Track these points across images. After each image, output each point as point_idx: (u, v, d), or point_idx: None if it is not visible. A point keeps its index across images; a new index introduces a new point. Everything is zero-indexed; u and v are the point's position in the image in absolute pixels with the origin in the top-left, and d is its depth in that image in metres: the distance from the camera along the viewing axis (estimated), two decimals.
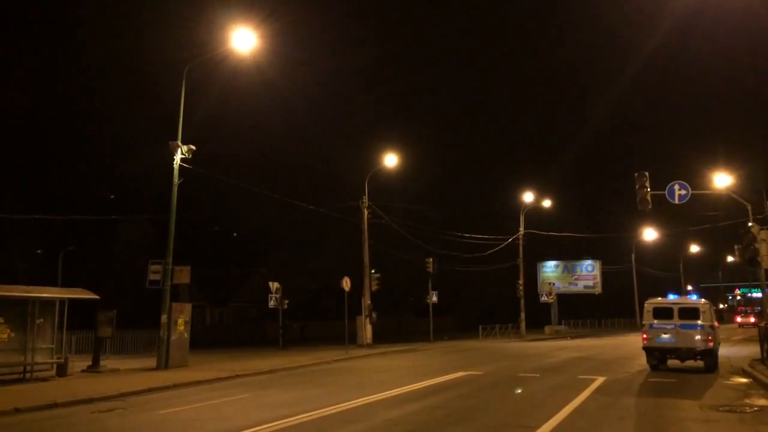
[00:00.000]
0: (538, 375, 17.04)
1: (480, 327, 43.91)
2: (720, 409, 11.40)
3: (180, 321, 21.39)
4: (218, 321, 64.59)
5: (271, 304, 36.38)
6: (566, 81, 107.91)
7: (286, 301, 37.13)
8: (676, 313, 17.49)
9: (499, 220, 53.61)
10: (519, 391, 14.04)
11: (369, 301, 35.14)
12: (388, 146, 36.48)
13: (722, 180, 24.83)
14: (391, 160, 35.49)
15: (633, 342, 35.26)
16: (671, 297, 20.02)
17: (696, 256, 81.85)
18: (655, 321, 17.63)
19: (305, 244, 69.13)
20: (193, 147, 21.82)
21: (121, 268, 64.17)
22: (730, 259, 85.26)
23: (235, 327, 59.83)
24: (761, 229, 17.93)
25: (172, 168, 21.59)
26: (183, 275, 21.29)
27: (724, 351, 21.40)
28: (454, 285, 70.16)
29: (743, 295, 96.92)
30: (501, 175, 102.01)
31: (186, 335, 21.69)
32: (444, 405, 12.10)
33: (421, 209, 50.07)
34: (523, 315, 46.03)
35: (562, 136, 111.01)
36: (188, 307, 21.91)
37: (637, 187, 19.71)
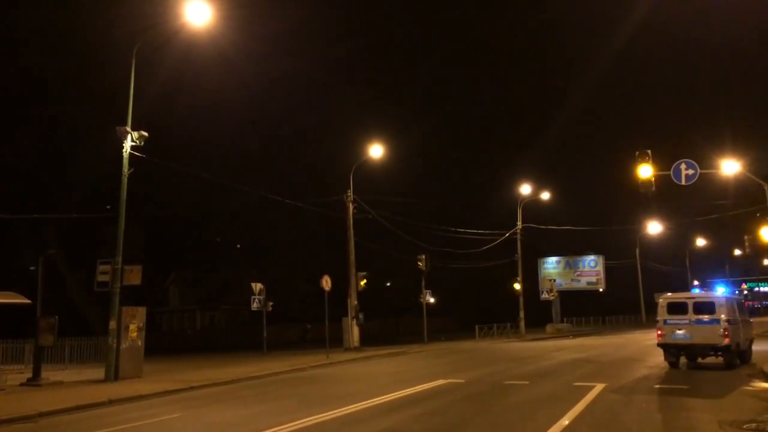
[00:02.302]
0: (527, 382, 14.82)
1: (476, 327, 41.72)
2: (744, 427, 9.20)
3: (132, 327, 19.26)
4: (209, 324, 62.72)
5: (254, 306, 34.32)
6: (563, 64, 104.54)
7: (271, 303, 35.04)
8: (690, 308, 16.76)
9: (497, 214, 51.31)
10: (499, 405, 11.81)
11: (356, 302, 33.01)
12: (373, 137, 34.24)
13: (731, 163, 22.60)
14: (376, 151, 33.30)
15: (638, 340, 33.08)
16: (695, 291, 18.46)
17: (702, 250, 79.40)
18: (670, 317, 17.00)
19: (301, 244, 66.73)
20: (145, 133, 19.72)
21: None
22: (737, 252, 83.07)
23: (226, 330, 57.93)
24: None
25: (121, 156, 19.48)
26: (134, 276, 19.14)
27: None
28: (455, 284, 68.00)
29: (750, 290, 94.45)
30: (496, 166, 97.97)
31: (140, 343, 19.55)
32: (404, 426, 9.93)
33: (412, 203, 47.77)
34: (522, 313, 43.78)
35: (560, 125, 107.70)
36: (141, 311, 19.74)
37: (638, 168, 17.45)
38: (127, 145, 19.50)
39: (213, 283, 62.46)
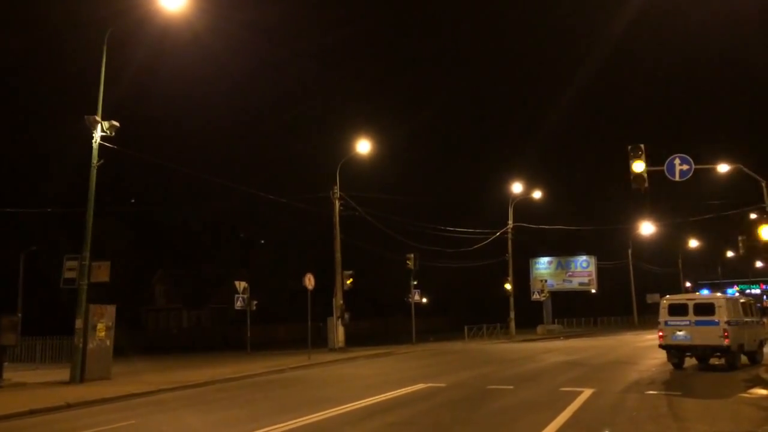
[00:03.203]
0: (511, 387, 14.00)
1: (466, 328, 40.96)
2: None
3: (100, 326, 18.35)
4: (195, 323, 61.69)
5: (238, 305, 33.52)
6: (556, 61, 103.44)
7: (255, 302, 34.28)
8: (691, 310, 16.85)
9: (488, 213, 50.49)
10: (479, 413, 10.98)
11: (341, 301, 32.17)
12: (361, 132, 33.56)
13: (725, 165, 21.89)
14: (364, 146, 32.44)
15: (630, 342, 32.39)
16: (704, 292, 18.25)
17: (695, 252, 78.87)
18: (671, 318, 17.12)
19: (291, 242, 65.66)
20: (117, 123, 18.81)
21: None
22: (729, 254, 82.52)
23: (213, 330, 56.96)
24: None
25: (91, 147, 18.56)
26: (102, 272, 18.22)
27: None
28: (447, 284, 67.21)
29: (741, 292, 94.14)
30: (488, 164, 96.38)
31: (108, 342, 18.63)
32: None
33: (401, 200, 46.84)
34: (512, 314, 43.01)
35: (552, 124, 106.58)
36: (111, 309, 18.80)
37: (631, 162, 16.66)
38: (97, 135, 18.60)
39: (200, 281, 61.41)
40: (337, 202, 32.20)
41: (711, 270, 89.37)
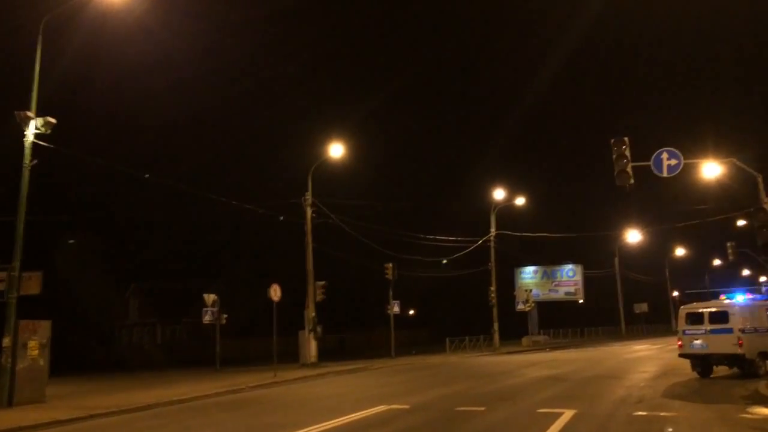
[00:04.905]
0: (482, 408, 12.37)
1: (447, 340, 39.32)
2: None
3: (32, 344, 16.54)
4: (170, 339, 59.55)
5: (206, 319, 31.91)
6: (538, 67, 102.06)
7: (225, 316, 32.57)
8: (706, 318, 16.97)
9: (471, 221, 48.95)
10: None
11: (314, 314, 30.49)
12: (334, 136, 31.72)
13: (713, 165, 20.53)
14: (337, 150, 30.81)
15: (617, 353, 30.92)
16: (734, 297, 17.89)
17: (681, 261, 77.95)
18: (688, 327, 17.33)
19: (269, 252, 63.64)
20: (53, 120, 17.11)
21: (66, 285, 59.04)
22: (717, 262, 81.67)
23: (187, 345, 54.88)
24: None
25: (23, 146, 16.85)
26: (33, 284, 16.45)
27: None
28: (431, 295, 65.63)
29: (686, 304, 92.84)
30: (470, 170, 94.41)
31: (42, 362, 16.83)
32: None
33: (379, 208, 45.24)
34: (496, 325, 41.41)
35: (539, 131, 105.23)
36: (45, 325, 16.99)
37: (615, 157, 15.19)
38: (30, 133, 16.90)
39: (175, 294, 59.35)
40: (309, 209, 30.60)
41: (699, 279, 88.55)
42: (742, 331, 16.13)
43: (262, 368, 28.87)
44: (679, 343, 17.44)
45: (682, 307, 18.52)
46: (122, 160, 56.09)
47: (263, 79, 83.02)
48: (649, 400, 13.00)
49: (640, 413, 11.39)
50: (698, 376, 17.09)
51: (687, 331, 17.20)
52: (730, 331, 16.21)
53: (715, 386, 15.29)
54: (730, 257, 37.02)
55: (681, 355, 17.42)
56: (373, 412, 12.52)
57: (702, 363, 17.10)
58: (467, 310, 59.96)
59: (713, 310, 17.17)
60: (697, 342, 16.84)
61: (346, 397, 15.60)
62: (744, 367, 16.43)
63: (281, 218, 30.90)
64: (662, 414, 11.24)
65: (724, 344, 16.21)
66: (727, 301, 17.82)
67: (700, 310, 17.45)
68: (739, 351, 15.97)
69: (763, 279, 73.48)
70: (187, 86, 76.12)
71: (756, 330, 16.55)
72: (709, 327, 16.73)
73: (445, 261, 45.28)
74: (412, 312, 71.67)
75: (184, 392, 18.43)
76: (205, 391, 18.71)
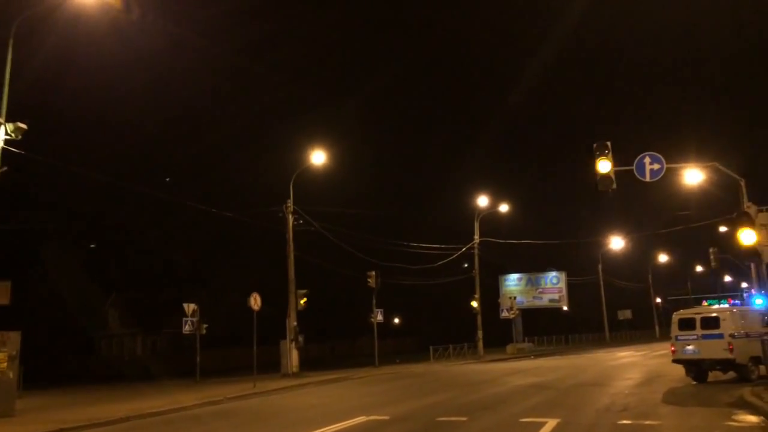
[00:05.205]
0: (464, 419, 12.05)
1: (431, 348, 39.00)
2: None
3: (1, 356, 15.98)
4: (151, 349, 58.59)
5: (186, 329, 31.36)
6: (521, 70, 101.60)
7: (205, 326, 32.06)
8: (698, 324, 17.10)
9: (455, 228, 48.71)
10: None
11: (295, 323, 30.06)
12: (316, 142, 31.36)
13: (696, 172, 20.52)
14: (319, 157, 30.43)
15: (601, 360, 30.77)
16: (710, 305, 17.54)
17: (664, 267, 78.42)
18: (680, 332, 17.41)
19: (253, 260, 62.90)
20: (23, 125, 16.58)
21: (48, 297, 57.96)
22: (699, 268, 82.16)
23: (169, 355, 53.97)
24: (760, 211, 13.38)
25: None
26: (0, 294, 15.90)
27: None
28: (417, 303, 65.29)
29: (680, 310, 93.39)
30: (452, 177, 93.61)
31: (11, 375, 16.31)
32: None
33: (363, 215, 44.90)
34: (480, 333, 41.14)
35: (522, 137, 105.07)
36: (14, 336, 16.45)
37: (597, 161, 15.02)
38: (0, 138, 16.38)
39: (156, 304, 58.47)
40: (290, 216, 30.21)
41: (681, 285, 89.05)
42: (733, 336, 16.19)
43: (244, 379, 28.34)
44: (672, 348, 17.58)
45: (675, 312, 18.68)
46: (97, 165, 54.94)
47: (242, 81, 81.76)
48: (633, 408, 12.76)
49: (625, 422, 11.14)
50: (683, 383, 16.94)
51: (680, 337, 17.26)
52: (720, 336, 16.31)
53: (701, 393, 15.10)
54: (713, 263, 37.09)
55: (674, 361, 17.50)
56: (352, 423, 12.14)
57: (695, 368, 17.15)
58: (452, 319, 59.74)
59: (705, 315, 17.34)
60: (690, 347, 16.92)
61: (325, 408, 15.21)
62: (738, 372, 16.49)
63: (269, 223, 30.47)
64: (647, 423, 11.00)
65: (716, 349, 16.31)
66: (718, 307, 18.43)
67: (692, 316, 17.62)
68: (730, 356, 16.04)
69: (744, 285, 74.16)
70: (163, 91, 74.35)
71: (747, 335, 16.55)
72: (701, 332, 16.83)
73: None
74: (397, 321, 71.29)
75: (160, 404, 17.91)
76: (181, 403, 18.21)
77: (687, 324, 17.36)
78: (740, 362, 16.21)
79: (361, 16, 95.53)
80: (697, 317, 17.30)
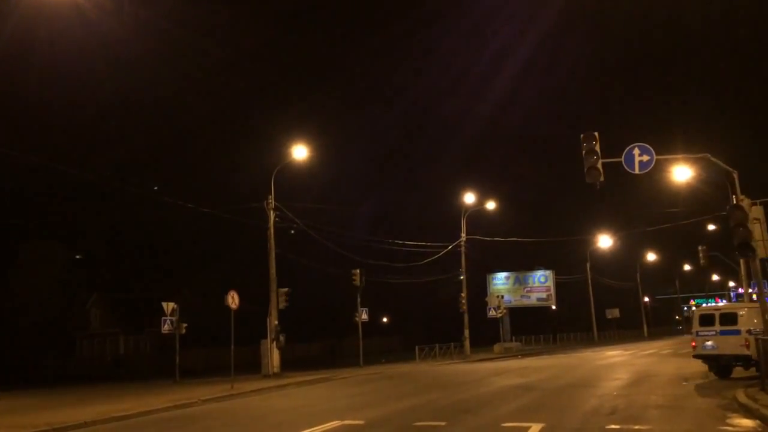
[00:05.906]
0: (443, 424, 11.34)
1: (417, 348, 38.34)
2: None
3: None
4: (133, 349, 57.52)
5: (165, 328, 30.62)
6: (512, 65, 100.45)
7: (185, 325, 31.30)
8: (717, 320, 17.29)
9: (442, 226, 48.08)
10: None
11: (276, 322, 29.29)
12: (299, 137, 30.56)
13: (685, 169, 19.99)
14: (300, 152, 29.64)
15: (589, 360, 30.23)
16: (698, 304, 16.95)
17: (652, 266, 78.29)
18: (701, 328, 17.58)
19: (237, 258, 61.86)
20: None
21: (28, 297, 56.81)
22: (687, 267, 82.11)
23: (151, 355, 52.93)
24: (753, 204, 12.78)
25: None
26: None
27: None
28: (404, 302, 64.62)
29: (698, 306, 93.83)
30: (440, 175, 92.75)
31: None
32: None
33: (347, 212, 44.20)
34: (467, 332, 40.57)
35: (510, 137, 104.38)
36: None
37: (584, 153, 14.37)
38: None
39: (139, 304, 57.41)
40: (271, 212, 29.42)
41: (670, 284, 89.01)
42: (749, 332, 16.16)
43: (224, 379, 27.57)
44: (693, 344, 17.81)
45: (695, 308, 18.99)
46: (67, 158, 53.41)
47: (217, 69, 79.08)
48: (622, 411, 12.12)
49: (613, 426, 10.48)
50: (673, 383, 16.52)
51: (700, 333, 17.45)
52: (737, 332, 16.46)
53: (692, 394, 14.51)
54: (702, 261, 36.66)
55: (695, 356, 17.68)
56: (325, 428, 11.41)
57: (715, 364, 17.29)
58: (440, 318, 59.14)
59: (723, 311, 17.60)
60: (709, 343, 17.09)
61: (299, 411, 14.45)
62: (755, 368, 16.12)
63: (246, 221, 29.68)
64: (636, 427, 10.35)
65: (733, 345, 16.46)
66: (737, 303, 18.06)
67: (712, 312, 17.89)
68: (746, 352, 16.08)
69: (732, 284, 74.14)
70: (134, 80, 71.05)
71: (760, 332, 16.15)
72: (719, 328, 17.02)
73: None
74: (385, 319, 70.61)
75: (129, 407, 17.09)
76: (153, 405, 17.41)
77: (707, 320, 17.53)
78: (756, 358, 15.79)
79: (339, 10, 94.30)
80: (716, 313, 17.54)
